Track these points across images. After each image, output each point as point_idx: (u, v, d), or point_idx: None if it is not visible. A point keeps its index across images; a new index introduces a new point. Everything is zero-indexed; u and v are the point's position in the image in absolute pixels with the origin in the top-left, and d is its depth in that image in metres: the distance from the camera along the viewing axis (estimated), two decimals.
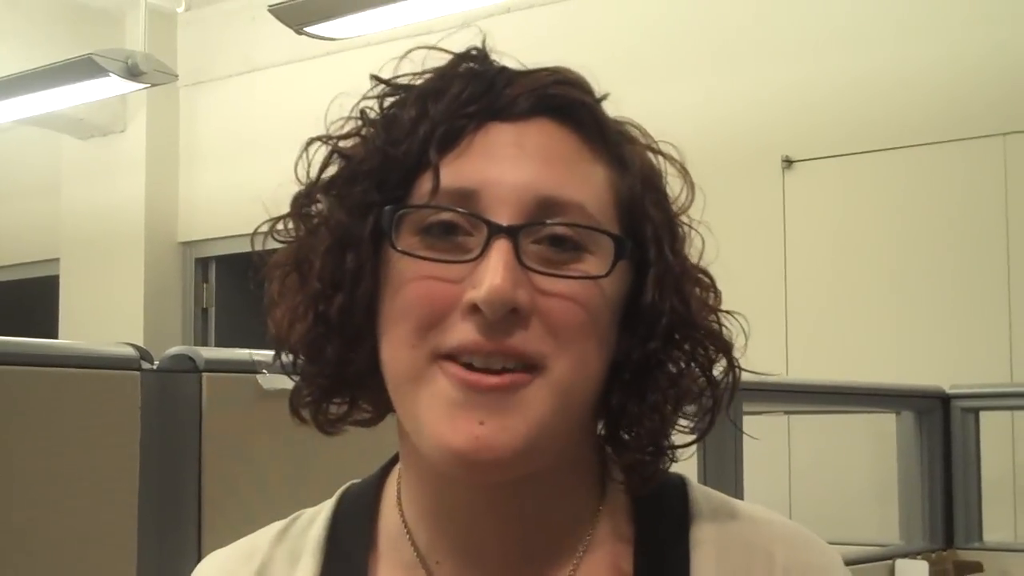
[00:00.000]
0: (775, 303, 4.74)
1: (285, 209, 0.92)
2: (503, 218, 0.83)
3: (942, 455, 3.41)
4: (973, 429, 3.42)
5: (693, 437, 0.93)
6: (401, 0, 4.12)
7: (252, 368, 1.74)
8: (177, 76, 5.36)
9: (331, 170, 0.90)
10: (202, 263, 6.64)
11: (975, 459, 3.41)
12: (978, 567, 3.32)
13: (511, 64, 0.91)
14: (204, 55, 6.51)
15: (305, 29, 4.30)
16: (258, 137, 6.18)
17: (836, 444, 4.50)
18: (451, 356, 0.83)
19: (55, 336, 6.48)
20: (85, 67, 4.79)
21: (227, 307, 6.60)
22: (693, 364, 0.90)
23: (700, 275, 0.92)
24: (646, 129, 0.94)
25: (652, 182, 0.92)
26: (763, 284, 4.71)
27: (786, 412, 4.24)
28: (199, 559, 1.52)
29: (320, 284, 0.87)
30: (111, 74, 4.75)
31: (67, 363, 1.62)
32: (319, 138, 0.91)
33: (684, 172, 0.93)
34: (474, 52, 0.91)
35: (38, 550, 1.57)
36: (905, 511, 3.44)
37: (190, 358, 1.71)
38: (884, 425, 3.62)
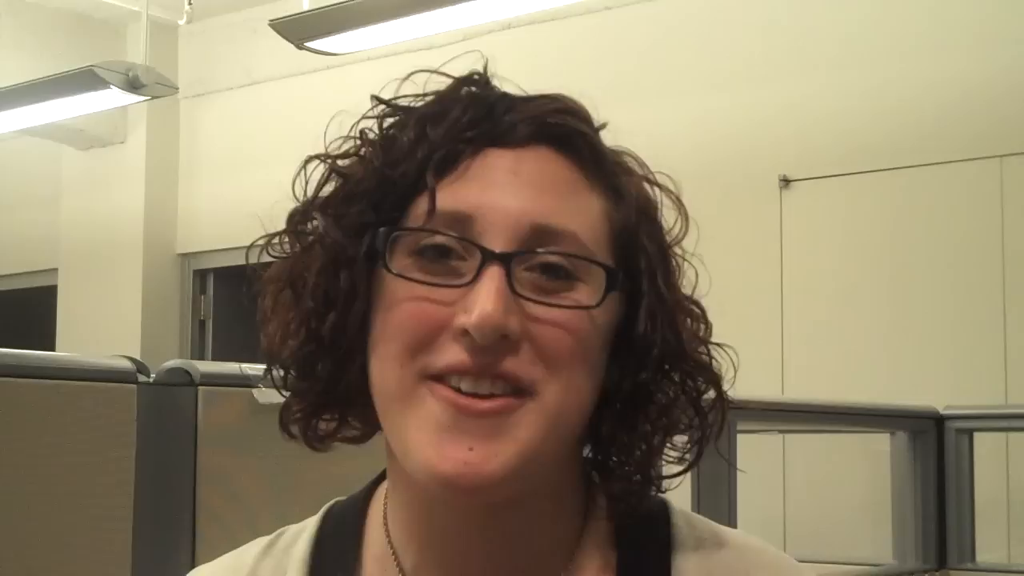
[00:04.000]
0: (772, 322, 4.75)
1: (281, 225, 0.92)
2: (497, 244, 0.84)
3: (936, 476, 3.41)
4: (967, 450, 3.43)
5: (681, 468, 0.93)
6: (401, 16, 4.13)
7: (247, 382, 1.74)
8: (177, 88, 5.37)
9: (328, 188, 0.90)
10: (200, 275, 6.64)
11: (968, 480, 3.42)
12: None
13: (512, 89, 0.91)
14: (205, 68, 6.52)
15: (305, 44, 4.31)
16: (258, 150, 6.19)
17: (830, 464, 4.50)
18: (440, 377, 0.83)
19: (53, 347, 6.47)
20: (86, 79, 4.80)
21: (225, 319, 6.61)
22: (682, 395, 0.90)
23: (692, 306, 0.92)
24: (643, 159, 0.94)
25: (647, 213, 0.91)
26: (760, 303, 4.72)
27: (781, 431, 4.24)
28: None
29: (313, 302, 0.88)
30: (112, 86, 4.75)
31: (64, 375, 1.63)
32: (317, 156, 0.91)
33: (679, 204, 0.93)
34: (475, 76, 0.91)
35: (34, 561, 1.58)
36: (899, 531, 3.44)
37: (186, 371, 1.72)
38: (878, 445, 3.63)
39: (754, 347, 4.93)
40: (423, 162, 0.86)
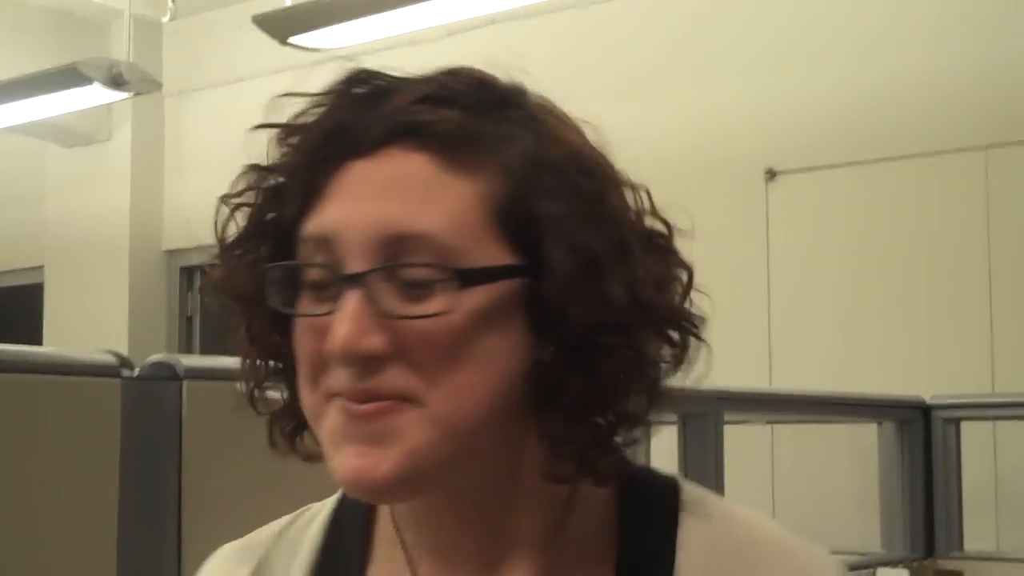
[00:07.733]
0: (759, 314, 4.75)
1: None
2: (355, 263, 0.83)
3: (923, 465, 3.42)
4: (954, 439, 3.44)
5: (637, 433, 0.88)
6: (385, 11, 4.12)
7: (233, 376, 1.73)
8: (161, 85, 5.36)
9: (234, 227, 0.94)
10: (187, 272, 6.63)
11: (956, 469, 3.43)
12: None
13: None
14: (189, 64, 6.51)
15: (289, 40, 4.30)
16: (243, 146, 6.18)
17: (818, 454, 4.51)
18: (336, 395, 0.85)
19: (40, 345, 6.46)
20: (69, 76, 4.78)
21: (212, 315, 6.58)
22: (625, 365, 0.85)
23: (650, 263, 0.86)
24: (562, 110, 0.89)
25: (554, 169, 0.85)
26: (746, 295, 4.73)
27: (769, 422, 4.25)
28: (179, 567, 1.54)
29: (247, 336, 0.93)
30: (95, 83, 4.74)
31: (47, 370, 1.63)
32: (224, 197, 0.95)
33: (600, 152, 0.88)
34: (360, 75, 0.90)
35: (16, 557, 1.57)
36: (886, 520, 3.45)
37: (170, 366, 1.72)
38: (866, 435, 3.64)
39: (741, 338, 4.96)
40: (291, 201, 0.87)
